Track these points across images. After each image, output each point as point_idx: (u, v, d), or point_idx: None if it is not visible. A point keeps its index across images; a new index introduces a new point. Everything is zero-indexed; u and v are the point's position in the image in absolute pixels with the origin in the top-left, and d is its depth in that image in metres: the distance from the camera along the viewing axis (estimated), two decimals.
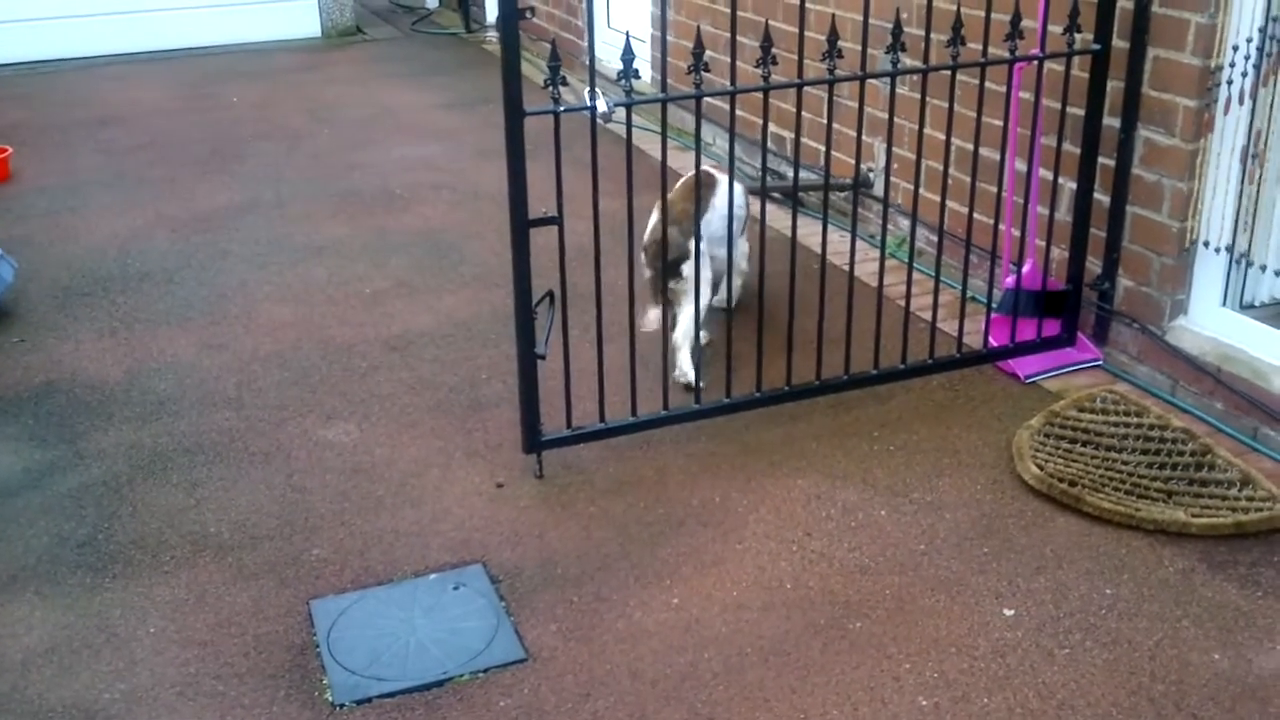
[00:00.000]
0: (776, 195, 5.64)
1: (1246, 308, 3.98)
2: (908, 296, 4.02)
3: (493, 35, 9.21)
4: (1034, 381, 4.19)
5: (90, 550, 3.37)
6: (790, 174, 4.21)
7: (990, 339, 4.29)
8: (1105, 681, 2.83)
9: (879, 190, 5.00)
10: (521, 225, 3.39)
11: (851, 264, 3.96)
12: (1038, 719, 2.73)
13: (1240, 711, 2.73)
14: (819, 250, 3.92)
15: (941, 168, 4.05)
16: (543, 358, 3.61)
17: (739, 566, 3.27)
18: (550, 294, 3.64)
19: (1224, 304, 3.99)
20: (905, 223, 4.81)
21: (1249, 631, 2.98)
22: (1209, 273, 4.00)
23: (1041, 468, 3.57)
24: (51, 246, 5.46)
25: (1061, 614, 3.06)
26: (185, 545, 3.39)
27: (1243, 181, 3.85)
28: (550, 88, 3.27)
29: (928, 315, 4.24)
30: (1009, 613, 3.07)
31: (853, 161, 4.46)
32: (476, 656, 2.92)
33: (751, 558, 3.30)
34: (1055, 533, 3.37)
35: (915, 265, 4.10)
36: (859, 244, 3.99)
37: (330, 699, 2.81)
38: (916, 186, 4.09)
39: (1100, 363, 4.29)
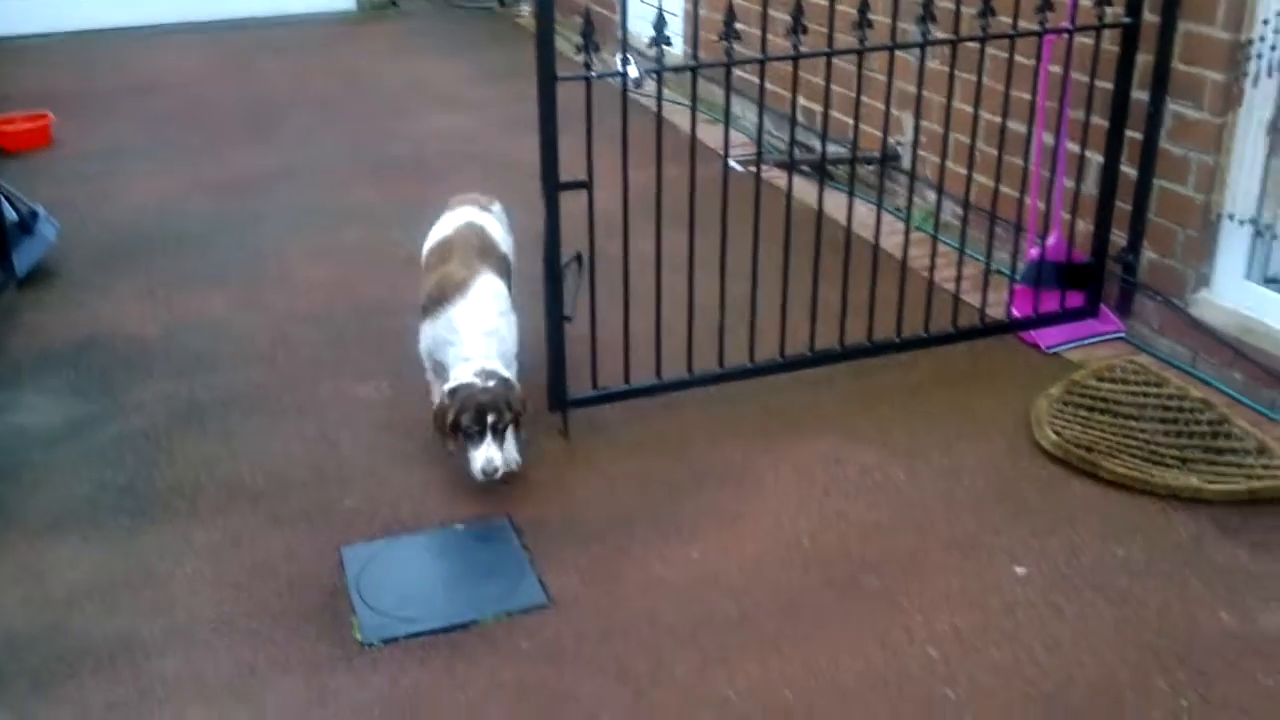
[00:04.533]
0: (805, 169, 5.68)
1: (1269, 281, 4.01)
2: (931, 267, 4.07)
3: (525, 9, 9.27)
4: (1056, 352, 4.24)
5: (130, 496, 3.48)
6: (818, 147, 4.23)
7: (1013, 309, 4.34)
8: (1112, 637, 2.89)
9: (906, 164, 5.04)
10: (552, 188, 3.47)
11: (877, 235, 4.01)
12: (1044, 671, 2.79)
13: (1244, 667, 2.78)
14: (845, 223, 3.98)
15: (969, 140, 4.10)
16: (569, 320, 3.69)
17: (757, 523, 3.35)
18: (579, 256, 3.71)
19: (1247, 277, 4.02)
20: (932, 196, 4.86)
21: (1257, 593, 3.03)
22: (1233, 246, 4.03)
23: (1059, 434, 3.62)
24: (92, 209, 5.57)
25: (1072, 573, 3.12)
26: (221, 492, 3.49)
27: (1269, 155, 3.88)
28: (583, 54, 3.34)
29: (951, 286, 4.28)
30: (1021, 571, 3.13)
31: (880, 135, 4.51)
32: (500, 601, 3.02)
33: (770, 515, 3.38)
34: (1070, 496, 3.43)
35: (941, 238, 4.16)
36: (885, 217, 4.03)
37: (359, 638, 2.90)
38: (943, 159, 4.13)
39: (1123, 334, 4.33)
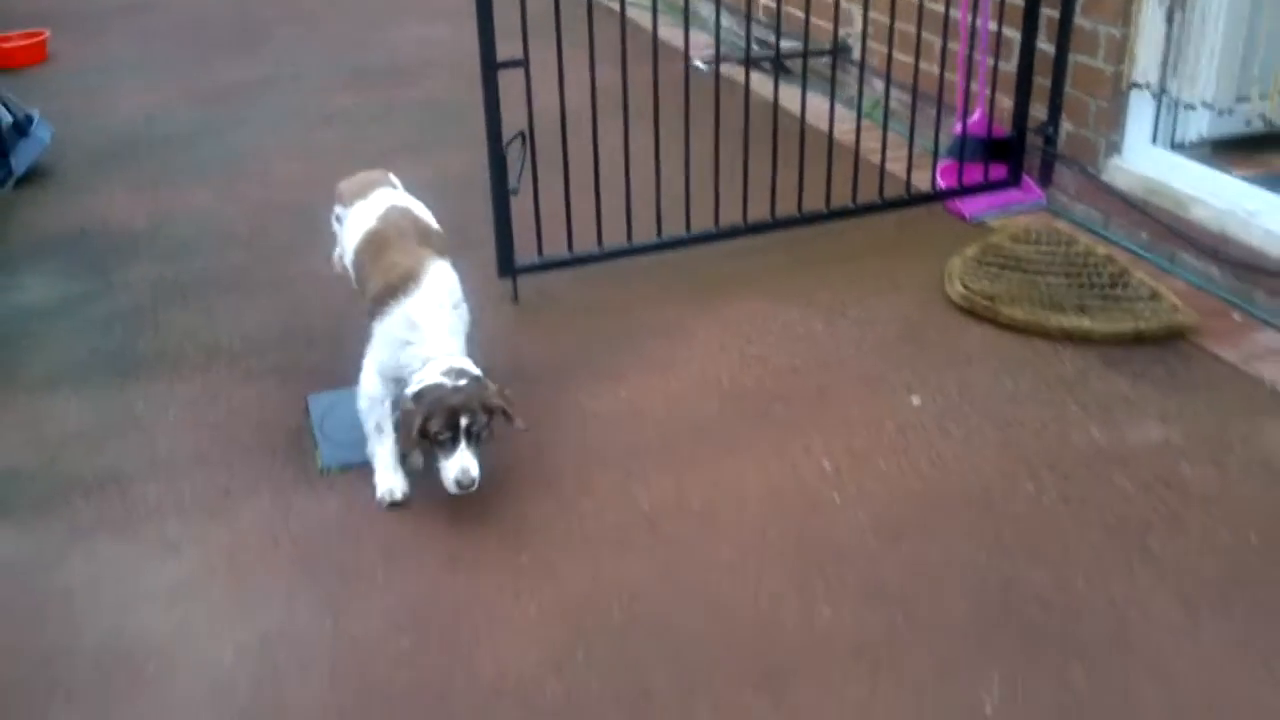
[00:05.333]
0: (763, 65, 5.94)
1: (1174, 146, 4.29)
2: (856, 141, 4.36)
3: None
4: (979, 220, 4.53)
5: (118, 359, 3.83)
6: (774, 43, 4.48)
7: (939, 181, 4.62)
8: (992, 453, 3.22)
9: (856, 55, 5.29)
10: (491, 67, 3.77)
11: (803, 113, 4.31)
12: (926, 480, 3.13)
13: (1104, 472, 3.12)
14: (789, 107, 4.27)
15: (914, 30, 4.36)
16: (515, 192, 4.00)
17: (684, 369, 3.68)
18: (522, 134, 4.01)
19: (1153, 142, 4.30)
20: (879, 84, 5.11)
21: (1128, 414, 3.35)
22: (1140, 114, 4.31)
23: (967, 286, 3.93)
24: (85, 118, 5.90)
25: (963, 402, 3.45)
26: (201, 355, 3.84)
27: (1169, 25, 4.13)
28: None
29: (886, 164, 4.56)
30: (916, 401, 3.46)
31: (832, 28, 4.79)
32: None
33: (696, 362, 3.71)
34: (970, 339, 3.75)
35: (868, 115, 4.43)
36: (816, 99, 4.31)
37: (320, 465, 3.26)
38: (890, 49, 4.40)
39: (1043, 203, 4.62)
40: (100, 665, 2.63)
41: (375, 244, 3.32)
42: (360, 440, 3.26)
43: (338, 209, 3.63)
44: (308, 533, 3.04)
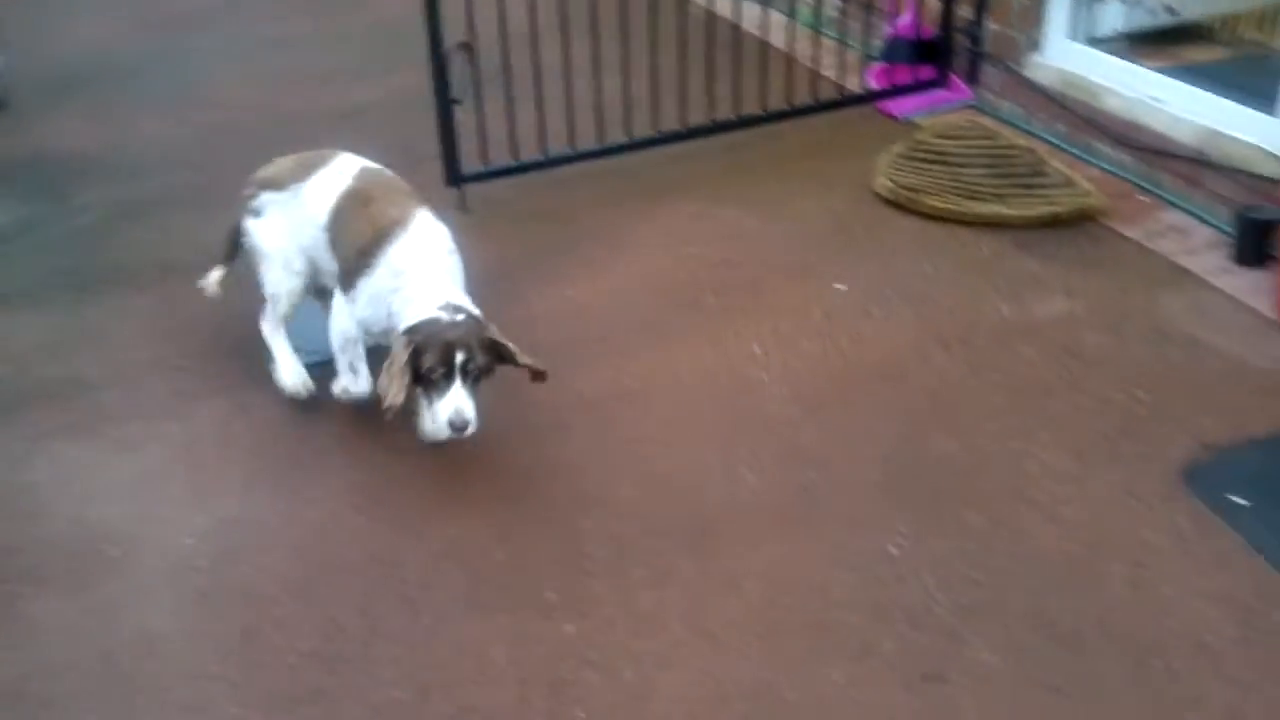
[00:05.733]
0: None
1: (1091, 41, 4.44)
2: (791, 47, 4.50)
3: None
4: (909, 120, 4.69)
5: (76, 276, 3.97)
6: None
7: (870, 83, 4.78)
8: (907, 330, 3.42)
9: None
10: None
11: (740, 21, 4.42)
12: (846, 357, 3.33)
13: (1011, 343, 3.32)
14: (727, 17, 4.40)
15: None
16: (459, 103, 4.13)
17: (624, 268, 3.85)
18: (464, 45, 4.13)
19: (1071, 38, 4.46)
20: None
21: (1037, 291, 3.55)
22: (1059, 10, 4.46)
23: (893, 180, 4.11)
24: (40, 48, 5.98)
25: (885, 286, 3.64)
26: (155, 270, 3.98)
27: None
28: None
29: (821, 69, 4.72)
30: (841, 287, 3.65)
31: None
32: None
33: (635, 261, 3.88)
34: (895, 230, 3.94)
35: (803, 23, 4.57)
36: (752, 8, 4.44)
37: (267, 366, 3.43)
38: None
39: (970, 101, 4.78)
40: (67, 552, 2.81)
41: (357, 199, 3.07)
42: (310, 343, 3.42)
43: (262, 198, 3.25)
44: (263, 427, 3.21)
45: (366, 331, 3.05)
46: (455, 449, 3.05)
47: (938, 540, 2.68)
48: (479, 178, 4.25)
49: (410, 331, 2.76)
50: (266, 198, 3.26)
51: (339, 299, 3.10)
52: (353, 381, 3.15)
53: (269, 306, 3.32)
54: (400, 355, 2.73)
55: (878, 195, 4.12)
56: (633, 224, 4.09)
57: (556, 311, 3.65)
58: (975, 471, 2.88)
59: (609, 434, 3.11)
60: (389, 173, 3.23)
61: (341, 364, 3.16)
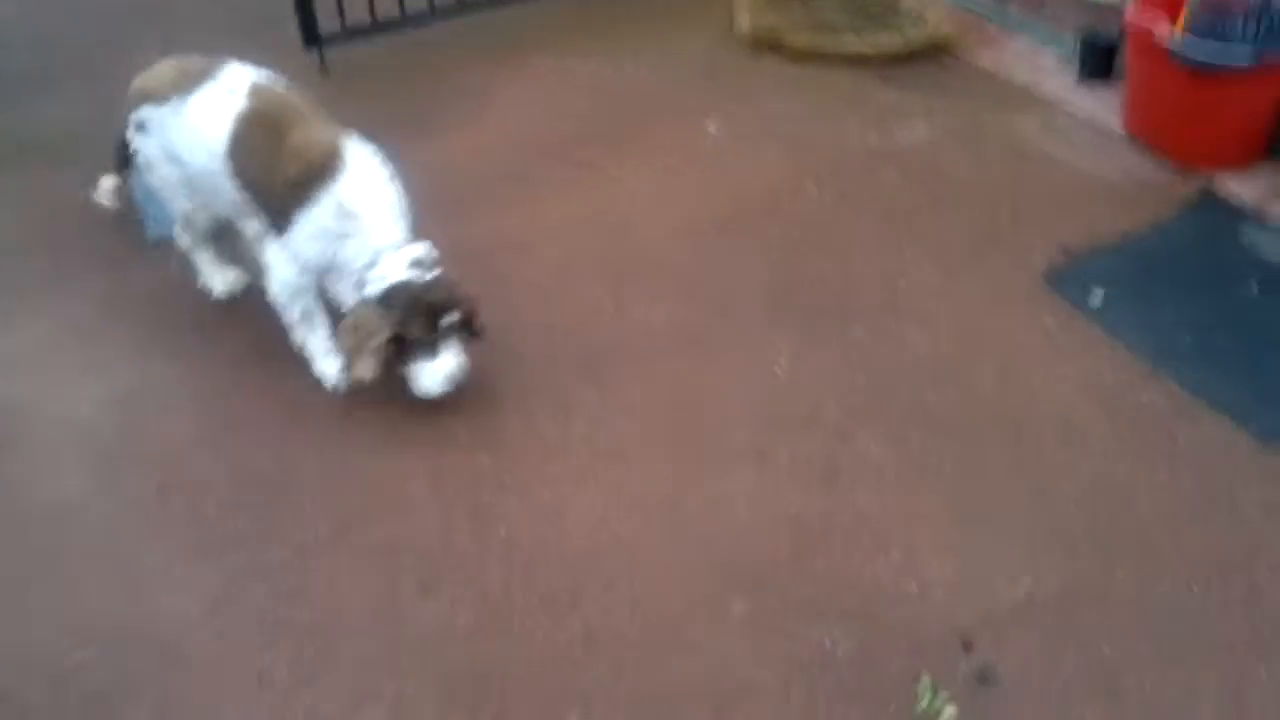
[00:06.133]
0: None
1: None
2: None
3: None
4: None
5: None
6: None
7: None
8: (778, 164, 3.54)
9: None
10: None
11: None
12: (722, 194, 3.43)
13: (877, 170, 3.48)
14: None
15: None
16: None
17: (492, 124, 3.86)
18: None
19: None
20: None
21: (899, 120, 3.70)
22: None
23: (753, 21, 4.18)
24: None
25: (754, 124, 3.74)
26: (13, 150, 3.85)
27: None
28: None
29: None
30: (712, 128, 3.73)
31: None
32: None
33: (502, 118, 3.88)
34: (759, 70, 4.03)
35: None
36: None
37: (149, 238, 3.37)
38: None
39: None
40: None
41: (264, 125, 2.69)
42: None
43: (144, 111, 2.92)
44: (148, 298, 3.19)
45: (306, 271, 2.72)
46: None
47: (822, 353, 2.83)
48: (336, 39, 4.18)
49: (386, 301, 2.54)
50: (147, 111, 2.90)
51: (271, 246, 2.73)
52: (328, 352, 2.80)
53: (178, 222, 3.09)
54: (380, 329, 2.53)
55: (739, 37, 4.19)
56: (498, 80, 4.09)
57: (428, 170, 3.59)
58: (852, 290, 3.03)
59: (498, 283, 3.15)
60: (281, 87, 2.83)
61: (297, 326, 2.80)
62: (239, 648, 2.24)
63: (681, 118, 3.80)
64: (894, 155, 3.53)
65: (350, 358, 2.61)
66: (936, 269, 3.07)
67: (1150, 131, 3.50)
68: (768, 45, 4.10)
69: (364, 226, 2.61)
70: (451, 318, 2.60)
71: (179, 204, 3.03)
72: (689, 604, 2.27)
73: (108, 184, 3.22)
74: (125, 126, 3.00)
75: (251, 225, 2.88)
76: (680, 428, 2.67)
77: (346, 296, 2.68)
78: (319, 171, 2.59)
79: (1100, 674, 2.14)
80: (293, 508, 2.51)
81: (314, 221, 2.61)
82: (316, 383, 2.83)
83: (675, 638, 2.21)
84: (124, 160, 3.11)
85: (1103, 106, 3.67)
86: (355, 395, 2.80)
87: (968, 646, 2.20)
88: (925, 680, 2.13)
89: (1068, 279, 3.00)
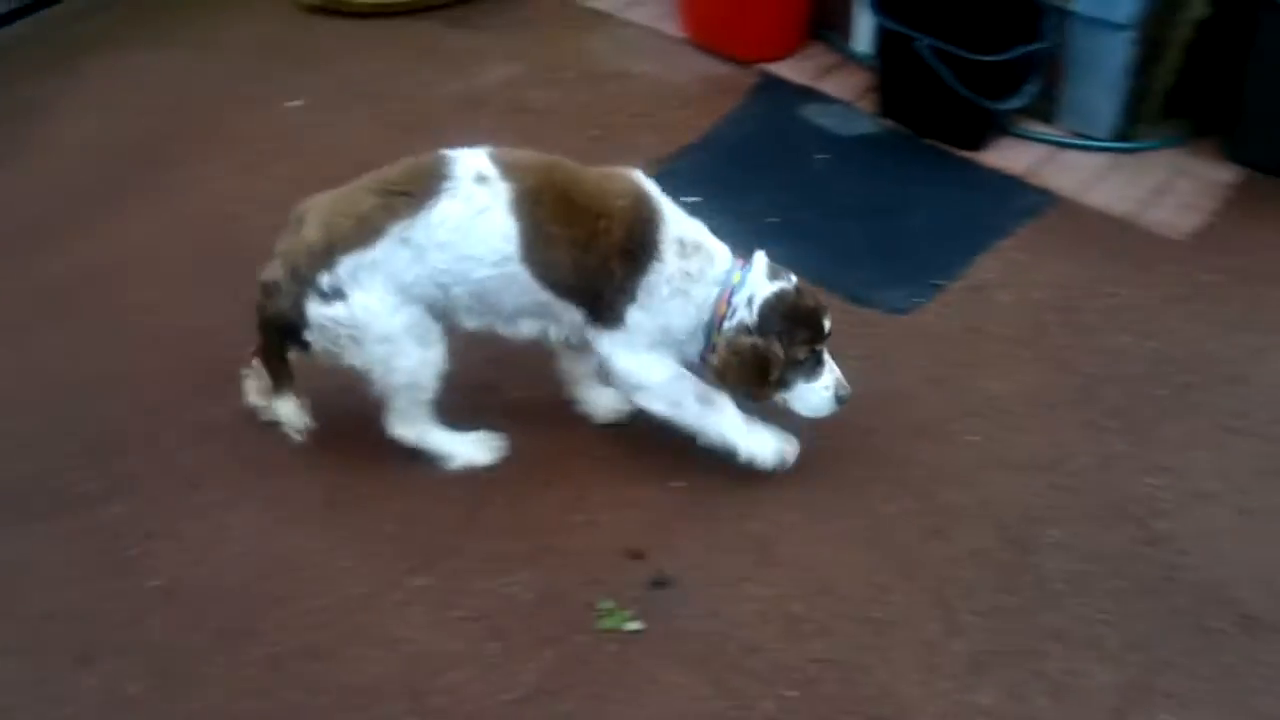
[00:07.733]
0: None
1: None
2: None
3: None
4: None
5: None
6: None
7: None
8: (371, 127, 3.50)
9: None
10: None
11: None
12: (319, 169, 3.26)
13: (466, 114, 3.53)
14: None
15: None
16: None
17: (55, 139, 3.57)
18: None
19: None
20: None
21: (479, 62, 3.76)
22: None
23: None
24: None
25: (337, 92, 3.70)
26: None
27: None
28: None
29: None
30: (295, 104, 3.64)
31: None
32: None
33: (66, 131, 3.61)
34: (331, 36, 3.97)
35: None
36: None
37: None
38: None
39: None
40: None
41: (546, 199, 2.25)
42: None
43: (344, 265, 2.26)
44: None
45: (669, 345, 2.29)
46: None
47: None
48: None
49: (764, 321, 2.20)
50: (350, 262, 2.26)
51: (617, 352, 2.28)
52: (749, 430, 2.34)
53: (400, 403, 2.40)
54: (774, 356, 2.20)
55: (301, 7, 4.08)
56: (57, 90, 3.81)
57: None
58: None
59: (90, 326, 2.92)
60: (505, 147, 2.39)
61: (701, 418, 2.31)
62: None
63: (261, 100, 3.68)
64: (474, 97, 3.58)
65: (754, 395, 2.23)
66: None
67: (704, 33, 3.71)
68: (328, 9, 4.01)
69: (709, 253, 2.25)
70: (829, 322, 2.25)
71: (406, 370, 2.32)
72: (368, 595, 2.27)
73: (287, 408, 2.43)
74: (290, 304, 2.31)
75: (524, 328, 2.35)
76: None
77: (694, 351, 2.30)
78: (637, 222, 2.22)
79: (755, 545, 2.31)
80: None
81: (664, 279, 2.21)
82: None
83: (361, 634, 2.20)
84: (283, 362, 2.40)
85: (663, 15, 3.86)
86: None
87: (637, 555, 2.32)
88: (606, 602, 2.24)
89: (662, 186, 3.13)
